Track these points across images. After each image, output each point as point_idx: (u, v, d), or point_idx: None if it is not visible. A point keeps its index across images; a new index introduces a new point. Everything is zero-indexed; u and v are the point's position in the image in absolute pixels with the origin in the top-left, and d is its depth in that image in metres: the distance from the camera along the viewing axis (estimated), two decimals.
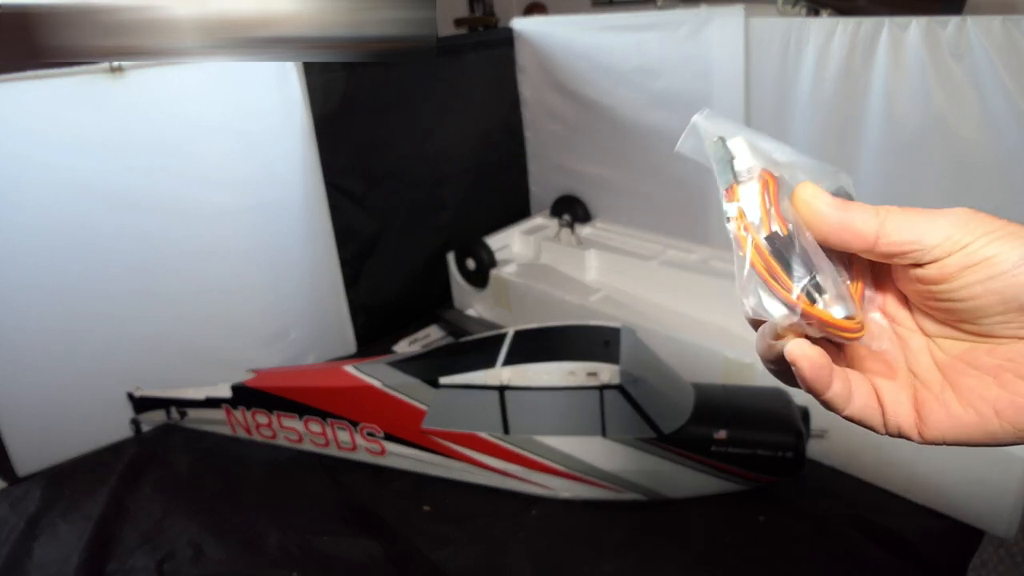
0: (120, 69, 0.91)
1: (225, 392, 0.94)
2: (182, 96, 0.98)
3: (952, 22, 0.83)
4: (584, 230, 1.37)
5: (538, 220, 1.45)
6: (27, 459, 1.01)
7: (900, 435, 0.28)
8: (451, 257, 1.32)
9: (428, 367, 0.87)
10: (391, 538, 0.85)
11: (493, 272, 1.24)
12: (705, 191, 1.20)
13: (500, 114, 1.43)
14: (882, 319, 0.29)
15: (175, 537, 0.86)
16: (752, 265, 0.27)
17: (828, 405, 0.27)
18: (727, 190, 0.28)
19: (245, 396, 0.93)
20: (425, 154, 1.31)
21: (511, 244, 1.40)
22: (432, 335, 1.33)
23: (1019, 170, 0.85)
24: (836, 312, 0.26)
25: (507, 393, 0.81)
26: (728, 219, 0.28)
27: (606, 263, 1.26)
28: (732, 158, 0.29)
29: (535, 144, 1.48)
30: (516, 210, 1.51)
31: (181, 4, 0.86)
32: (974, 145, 0.87)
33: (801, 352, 0.26)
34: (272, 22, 0.91)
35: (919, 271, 0.26)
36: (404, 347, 1.29)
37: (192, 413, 0.97)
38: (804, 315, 0.26)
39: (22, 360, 0.96)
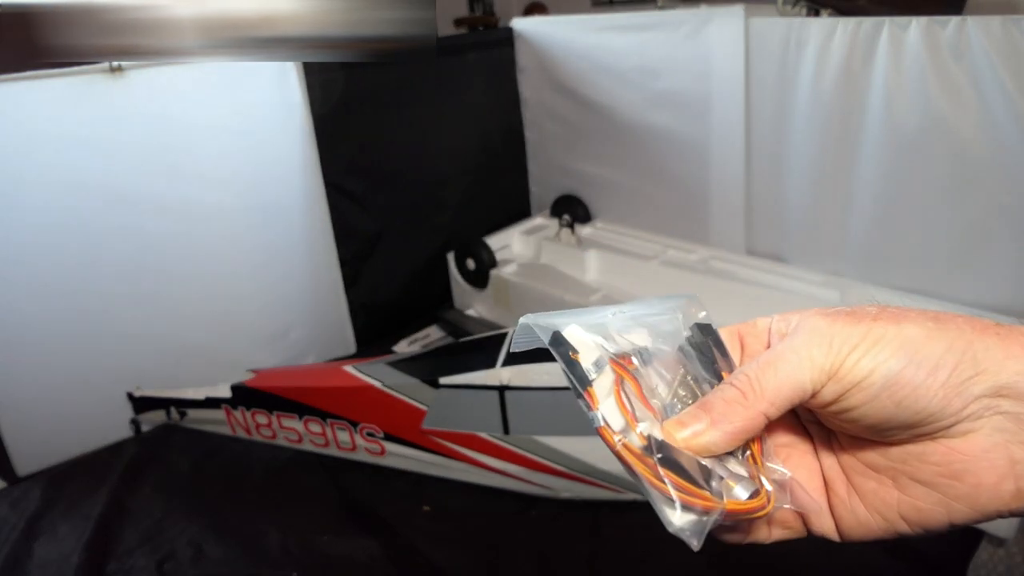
0: (120, 69, 0.91)
1: (225, 392, 0.94)
2: (182, 96, 0.98)
3: (952, 22, 0.83)
4: (584, 230, 1.37)
5: (538, 220, 1.45)
6: (27, 459, 1.01)
7: (824, 537, 0.27)
8: (451, 257, 1.32)
9: (428, 367, 0.87)
10: (391, 538, 0.85)
11: (493, 272, 1.24)
12: (705, 191, 1.20)
13: (500, 114, 1.43)
14: (781, 468, 0.27)
15: (175, 537, 0.86)
16: (648, 480, 0.24)
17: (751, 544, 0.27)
18: (586, 394, 0.26)
19: (245, 396, 0.93)
20: (425, 154, 1.31)
21: (511, 244, 1.40)
22: (432, 335, 1.33)
23: (1019, 170, 0.85)
24: (740, 494, 0.24)
25: (507, 393, 0.81)
26: (595, 430, 0.25)
27: (606, 263, 1.26)
28: (575, 354, 0.26)
29: (535, 144, 1.48)
30: (516, 210, 1.51)
31: (181, 4, 0.86)
32: (974, 144, 0.87)
33: (734, 537, 0.26)
34: (272, 22, 0.91)
35: (811, 403, 0.25)
36: (404, 347, 1.29)
37: (192, 413, 0.97)
38: (727, 514, 0.24)
39: (22, 360, 0.96)
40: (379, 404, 0.87)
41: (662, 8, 1.24)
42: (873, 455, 0.26)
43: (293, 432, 0.93)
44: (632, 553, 0.81)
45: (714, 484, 0.24)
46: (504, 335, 0.89)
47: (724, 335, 0.27)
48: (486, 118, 1.40)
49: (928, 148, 0.91)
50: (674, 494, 0.24)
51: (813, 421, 0.28)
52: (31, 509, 0.92)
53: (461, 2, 2.58)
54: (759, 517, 0.25)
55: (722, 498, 0.24)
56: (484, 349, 0.86)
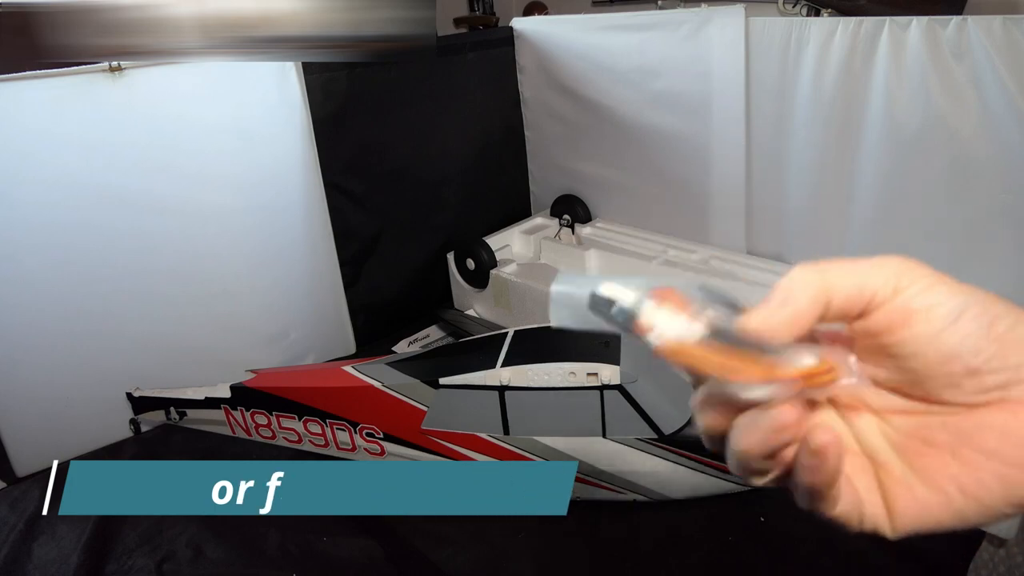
0: (120, 69, 0.91)
1: (224, 392, 0.94)
2: (182, 96, 0.98)
3: (952, 22, 0.83)
4: (584, 230, 1.37)
5: (538, 220, 1.45)
6: (27, 459, 1.01)
7: (875, 531, 0.26)
8: (451, 257, 1.32)
9: (428, 367, 0.87)
10: (391, 538, 0.85)
11: (493, 272, 1.24)
12: (705, 191, 1.20)
13: (500, 114, 1.43)
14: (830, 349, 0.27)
15: (175, 537, 0.86)
16: (714, 368, 0.25)
17: (821, 504, 0.26)
18: (634, 328, 0.26)
19: (244, 396, 0.93)
20: (425, 154, 1.31)
21: (511, 244, 1.40)
22: (432, 335, 1.33)
23: (1019, 170, 0.85)
24: (807, 361, 0.24)
25: (507, 393, 0.81)
26: (653, 348, 0.26)
27: (606, 263, 1.26)
28: (612, 305, 0.27)
29: (535, 144, 1.48)
30: (516, 210, 1.51)
31: (181, 4, 0.86)
32: (974, 144, 0.87)
33: (831, 435, 0.24)
34: (272, 22, 0.91)
35: (865, 323, 0.25)
36: (404, 347, 1.29)
37: (191, 413, 0.97)
38: (797, 379, 0.24)
39: (22, 360, 0.96)
40: (379, 404, 0.87)
41: (662, 8, 1.24)
42: (933, 429, 0.26)
43: (292, 432, 0.93)
44: (632, 553, 0.81)
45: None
46: (504, 335, 0.89)
47: None
48: (486, 118, 1.40)
49: (928, 148, 0.91)
50: (746, 372, 0.24)
51: (856, 409, 0.27)
52: (31, 509, 0.92)
53: (461, 2, 2.57)
54: (832, 382, 0.25)
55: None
56: (484, 349, 0.86)
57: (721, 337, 0.25)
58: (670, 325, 0.25)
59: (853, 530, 0.26)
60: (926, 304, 0.24)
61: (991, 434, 0.24)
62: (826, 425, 0.25)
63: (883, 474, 0.26)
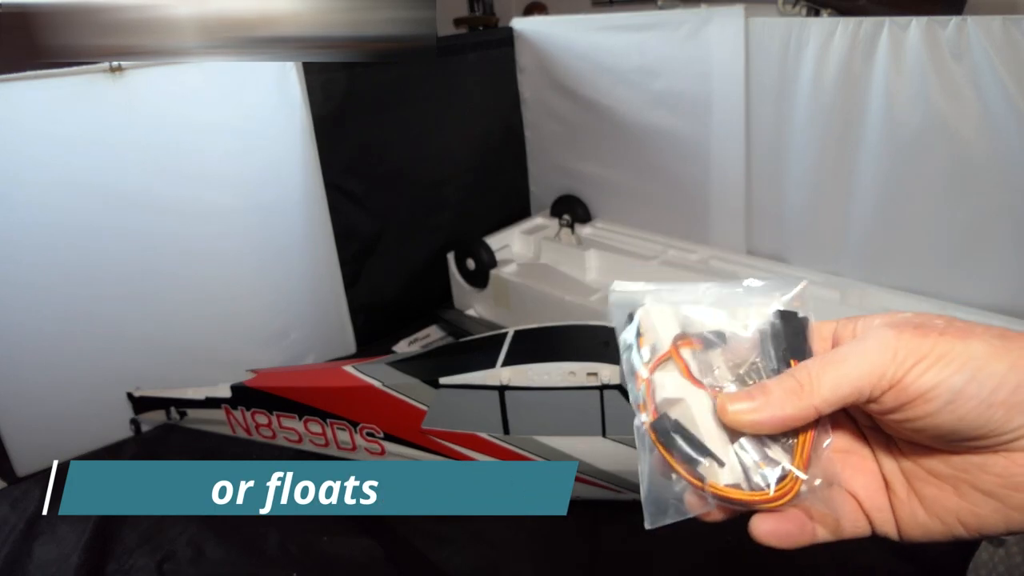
0: (120, 69, 0.91)
1: (225, 392, 0.94)
2: (182, 96, 0.98)
3: (952, 22, 0.83)
4: (584, 230, 1.37)
5: (538, 220, 1.45)
6: (27, 459, 1.01)
7: (886, 537, 0.28)
8: (451, 257, 1.32)
9: (428, 367, 0.87)
10: (391, 538, 0.85)
11: (493, 272, 1.24)
12: (705, 191, 1.20)
13: (500, 114, 1.43)
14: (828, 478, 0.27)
15: (175, 537, 0.86)
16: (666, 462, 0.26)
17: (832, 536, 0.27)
18: (634, 377, 0.27)
19: (245, 396, 0.93)
20: (425, 154, 1.31)
21: (511, 244, 1.40)
22: (432, 335, 1.33)
23: (1019, 170, 0.85)
24: (767, 477, 0.25)
25: (507, 393, 0.81)
26: (637, 407, 0.27)
27: (606, 263, 1.26)
28: (640, 338, 0.27)
29: (535, 144, 1.48)
30: (516, 210, 1.51)
31: (181, 4, 0.86)
32: (974, 144, 0.87)
33: (767, 532, 0.26)
34: (272, 22, 0.91)
35: (869, 406, 0.25)
36: (404, 347, 1.29)
37: (192, 413, 0.97)
38: (715, 496, 0.25)
39: (22, 360, 0.96)
40: (379, 404, 0.87)
41: (662, 8, 1.24)
42: (934, 462, 0.26)
43: (293, 432, 0.93)
44: (632, 553, 0.81)
45: (744, 459, 0.25)
46: (504, 335, 0.88)
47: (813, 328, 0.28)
48: (486, 118, 1.40)
49: (928, 148, 0.91)
50: (677, 469, 0.26)
51: (872, 427, 0.28)
52: (31, 509, 0.92)
53: (461, 2, 2.58)
54: (760, 509, 0.26)
55: (749, 478, 0.25)
56: (484, 349, 0.86)
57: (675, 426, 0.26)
58: (661, 386, 0.26)
59: (865, 537, 0.28)
60: (926, 387, 0.23)
61: (991, 477, 0.25)
62: (763, 528, 0.26)
63: (892, 496, 0.28)
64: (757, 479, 0.25)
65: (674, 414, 0.26)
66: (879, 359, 0.24)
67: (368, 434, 0.90)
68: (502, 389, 0.81)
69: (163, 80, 0.95)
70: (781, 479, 0.25)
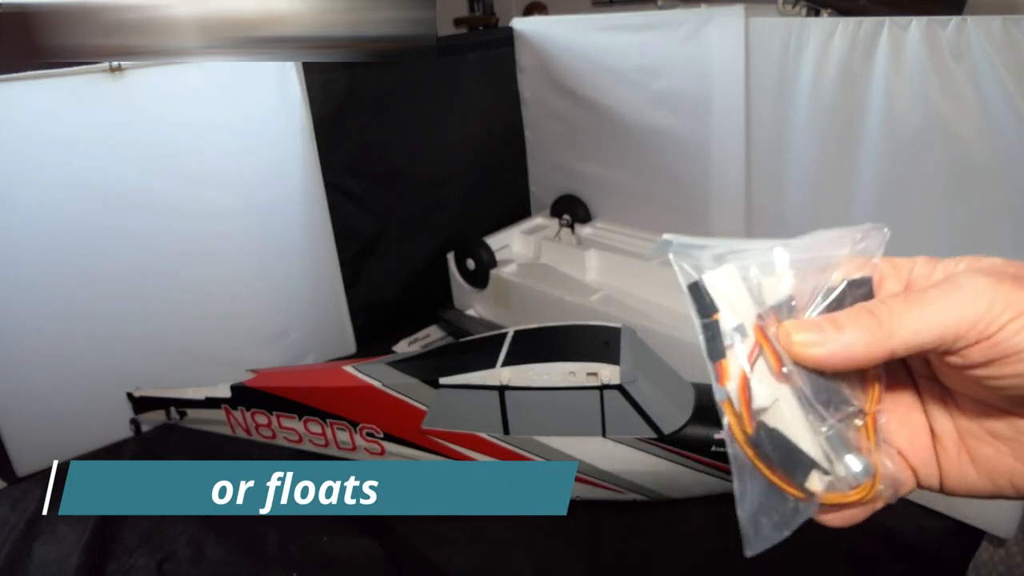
0: (120, 69, 0.91)
1: (224, 392, 0.94)
2: (182, 96, 0.98)
3: (952, 22, 0.83)
4: (584, 230, 1.37)
5: (538, 220, 1.45)
6: (27, 459, 1.01)
7: (927, 489, 0.27)
8: (451, 257, 1.32)
9: (428, 367, 0.87)
10: (391, 538, 0.85)
11: (493, 272, 1.24)
12: (705, 191, 1.20)
13: (500, 114, 1.43)
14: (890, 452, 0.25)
15: (175, 537, 0.86)
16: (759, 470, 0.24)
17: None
18: (717, 365, 0.24)
19: (244, 396, 0.93)
20: (425, 154, 1.31)
21: (511, 244, 1.40)
22: (432, 335, 1.33)
23: (1019, 170, 0.85)
24: (853, 467, 0.23)
25: (507, 393, 0.81)
26: (721, 404, 0.24)
27: (606, 263, 1.26)
28: (715, 314, 0.24)
29: (535, 144, 1.48)
30: (516, 210, 1.51)
31: (181, 4, 0.86)
32: (974, 144, 0.87)
33: (837, 519, 0.26)
34: (272, 22, 0.91)
35: (951, 358, 0.23)
36: (404, 347, 1.29)
37: (192, 413, 0.97)
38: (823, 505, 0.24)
39: (22, 360, 0.96)
40: (379, 404, 0.87)
41: (662, 8, 1.24)
42: (998, 423, 0.24)
43: (293, 432, 0.93)
44: (632, 553, 0.81)
45: (826, 450, 0.23)
46: (504, 335, 0.89)
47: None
48: (486, 118, 1.40)
49: (928, 148, 0.91)
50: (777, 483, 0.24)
51: (929, 377, 0.26)
52: (31, 509, 0.92)
53: (461, 2, 2.57)
54: (859, 505, 0.24)
55: (832, 465, 0.24)
56: (484, 349, 0.86)
57: (800, 396, 0.23)
58: (758, 390, 0.23)
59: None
60: (1017, 348, 0.21)
61: None
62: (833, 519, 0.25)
63: (940, 450, 0.26)
64: (843, 471, 0.24)
65: (771, 422, 0.24)
66: (972, 308, 0.21)
67: (368, 434, 0.90)
68: (502, 389, 0.81)
69: (163, 80, 0.95)
70: (866, 467, 0.24)
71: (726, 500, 0.90)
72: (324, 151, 1.14)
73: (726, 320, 0.24)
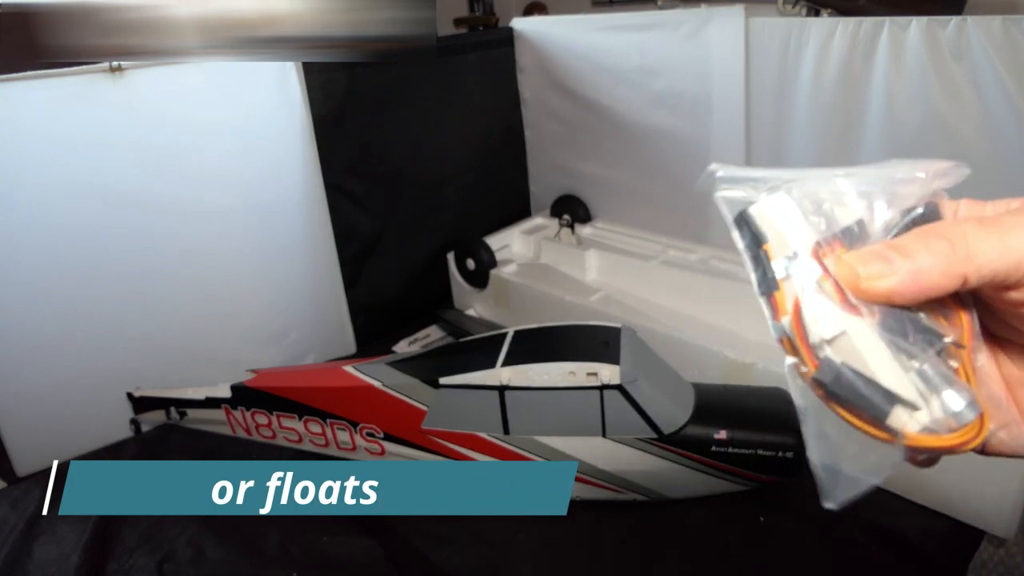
0: (120, 69, 0.91)
1: (224, 392, 0.94)
2: (182, 96, 0.98)
3: (952, 22, 0.83)
4: (584, 230, 1.37)
5: (538, 220, 1.45)
6: (27, 459, 1.01)
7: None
8: (451, 257, 1.32)
9: (428, 367, 0.87)
10: (391, 538, 0.85)
11: (493, 272, 1.24)
12: (705, 191, 1.20)
13: (500, 114, 1.43)
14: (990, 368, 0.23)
15: (175, 537, 0.86)
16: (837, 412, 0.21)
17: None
18: (771, 300, 0.21)
19: (244, 396, 0.93)
20: (425, 154, 1.31)
21: (511, 244, 1.40)
22: (432, 335, 1.33)
23: (1019, 170, 0.85)
24: (953, 404, 0.20)
25: (507, 393, 0.81)
26: (779, 342, 0.21)
27: (606, 263, 1.26)
28: (765, 244, 0.22)
29: (535, 144, 1.48)
30: (516, 210, 1.51)
31: (181, 4, 0.86)
32: (974, 145, 0.87)
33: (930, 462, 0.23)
34: (272, 22, 0.91)
35: (1009, 293, 0.21)
36: (404, 347, 1.29)
37: (192, 413, 0.97)
38: (912, 449, 0.20)
39: (22, 360, 0.96)
40: (379, 404, 0.87)
41: (662, 8, 1.24)
42: None
43: (293, 432, 0.93)
44: (632, 553, 0.81)
45: (920, 386, 0.20)
46: (504, 335, 0.89)
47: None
48: (486, 118, 1.40)
49: (928, 148, 0.91)
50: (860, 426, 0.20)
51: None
52: (31, 509, 0.92)
53: (461, 2, 2.58)
54: (967, 450, 0.21)
55: (927, 402, 0.20)
56: (484, 349, 0.86)
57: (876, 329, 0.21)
58: (815, 320, 0.20)
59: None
60: None
61: None
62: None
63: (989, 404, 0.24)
64: (941, 410, 0.20)
65: (838, 356, 0.21)
66: None
67: (368, 434, 0.90)
68: (502, 389, 0.81)
69: (163, 80, 0.95)
70: (970, 403, 0.20)
71: (726, 500, 0.91)
72: (324, 151, 1.14)
73: (777, 249, 0.22)
